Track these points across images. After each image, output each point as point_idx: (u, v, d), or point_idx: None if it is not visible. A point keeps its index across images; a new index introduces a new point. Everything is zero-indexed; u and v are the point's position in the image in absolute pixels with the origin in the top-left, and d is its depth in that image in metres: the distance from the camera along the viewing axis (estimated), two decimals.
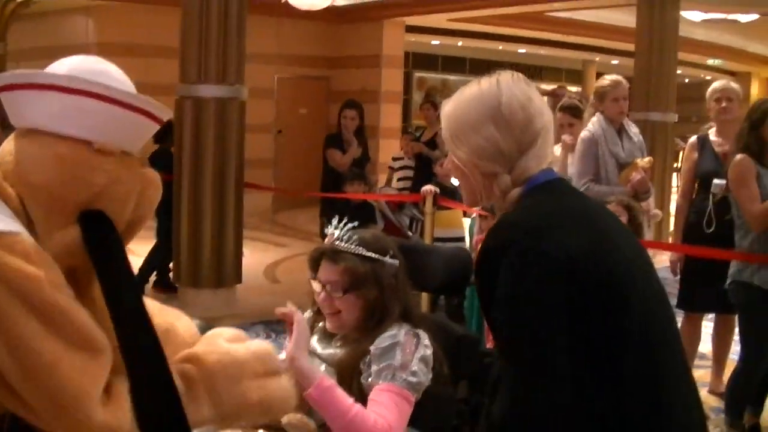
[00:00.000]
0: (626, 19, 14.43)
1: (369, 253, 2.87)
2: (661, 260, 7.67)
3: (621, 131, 6.21)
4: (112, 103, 1.90)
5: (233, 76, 8.35)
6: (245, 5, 8.51)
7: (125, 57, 13.03)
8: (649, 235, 7.31)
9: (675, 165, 14.20)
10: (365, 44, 16.64)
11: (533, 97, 2.26)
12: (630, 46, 12.71)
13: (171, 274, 8.94)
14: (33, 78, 1.90)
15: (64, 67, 1.95)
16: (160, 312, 2.22)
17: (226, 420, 2.06)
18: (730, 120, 5.99)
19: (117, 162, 1.92)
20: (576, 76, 23.80)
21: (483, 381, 2.55)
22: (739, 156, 5.05)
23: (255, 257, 11.04)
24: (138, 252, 10.54)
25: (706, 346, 6.86)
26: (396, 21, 16.71)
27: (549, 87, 13.56)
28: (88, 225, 1.88)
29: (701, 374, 6.35)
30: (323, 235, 2.98)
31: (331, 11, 14.34)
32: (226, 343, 2.12)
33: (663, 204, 10.42)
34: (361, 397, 2.73)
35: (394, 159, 10.64)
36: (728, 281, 5.16)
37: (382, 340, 2.78)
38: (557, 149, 6.63)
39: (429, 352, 2.81)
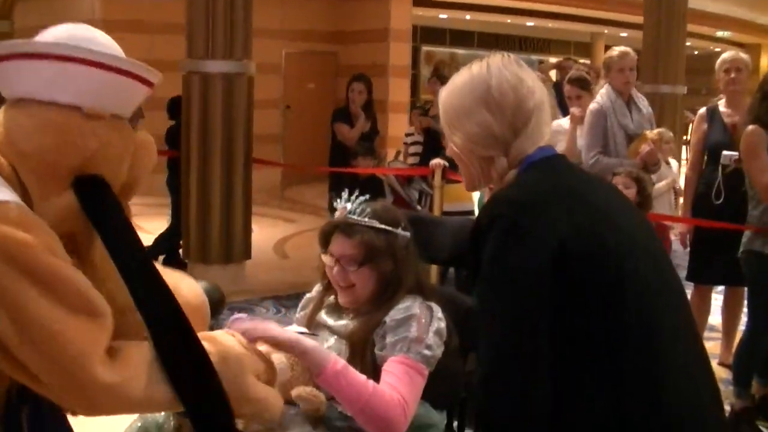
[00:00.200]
0: None
1: (382, 226, 2.86)
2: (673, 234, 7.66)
3: (630, 103, 6.20)
4: (98, 67, 1.90)
5: (240, 51, 8.33)
6: None
7: (131, 33, 13.05)
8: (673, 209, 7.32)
9: (684, 137, 14.17)
10: (373, 18, 16.58)
11: (524, 78, 2.26)
12: (639, 19, 12.63)
13: (181, 251, 8.94)
14: (17, 48, 1.91)
15: (50, 36, 1.95)
16: (162, 271, 2.19)
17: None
18: (740, 91, 5.97)
19: (108, 126, 1.92)
20: (584, 49, 23.73)
21: None
22: (750, 127, 5.03)
23: (264, 233, 11.05)
24: (149, 229, 10.58)
25: (715, 318, 6.86)
26: None
27: (556, 60, 13.51)
28: (82, 189, 1.88)
29: (711, 346, 6.35)
30: (332, 210, 2.97)
31: None
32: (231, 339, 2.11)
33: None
34: (374, 368, 2.73)
35: (407, 135, 10.63)
36: (740, 250, 5.16)
37: (397, 312, 2.78)
38: (565, 122, 6.62)
39: (442, 324, 2.81)
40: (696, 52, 24.13)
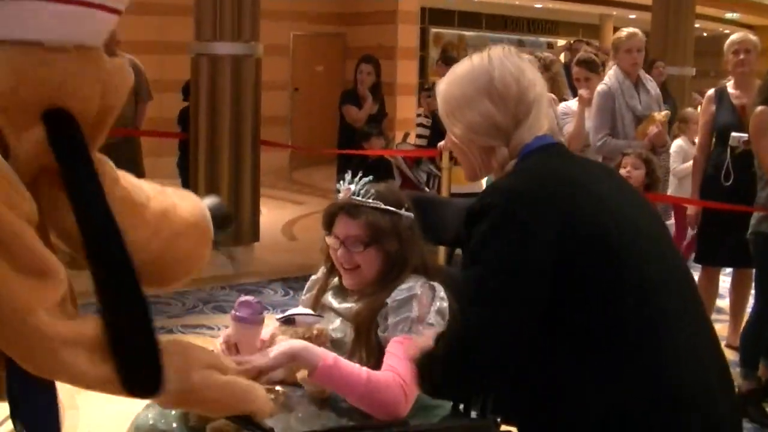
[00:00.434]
0: None
1: (387, 207, 2.86)
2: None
3: (638, 84, 6.20)
4: (55, 1, 1.84)
5: (248, 33, 8.33)
6: None
7: (140, 15, 13.03)
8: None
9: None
10: (381, 0, 16.55)
11: (525, 69, 2.27)
12: (647, 0, 12.61)
13: None
14: None
15: None
16: (160, 194, 2.23)
17: (182, 394, 2.06)
18: (748, 72, 5.95)
19: (73, 58, 1.87)
20: (593, 30, 23.62)
21: None
22: (759, 107, 5.03)
23: (272, 215, 11.06)
24: None
25: (723, 300, 6.87)
26: None
27: (565, 41, 13.49)
28: (51, 123, 1.85)
29: (718, 328, 6.29)
30: (339, 191, 2.97)
31: None
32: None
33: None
34: (379, 349, 2.74)
35: (417, 116, 10.64)
36: (749, 232, 5.16)
37: (399, 293, 2.78)
38: (574, 103, 6.62)
39: (445, 304, 2.81)
40: (705, 34, 24.02)
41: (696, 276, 6.29)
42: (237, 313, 2.85)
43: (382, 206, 2.85)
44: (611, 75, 6.21)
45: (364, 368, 2.64)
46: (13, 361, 1.83)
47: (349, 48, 16.80)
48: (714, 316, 6.47)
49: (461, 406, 2.89)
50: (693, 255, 6.51)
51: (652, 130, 5.92)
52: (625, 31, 6.29)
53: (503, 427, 2.65)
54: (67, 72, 1.86)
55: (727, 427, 2.14)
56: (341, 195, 2.92)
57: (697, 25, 12.35)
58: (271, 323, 2.95)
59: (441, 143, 7.62)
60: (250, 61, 8.37)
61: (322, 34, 16.89)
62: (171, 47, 12.40)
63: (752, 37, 6.13)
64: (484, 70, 2.24)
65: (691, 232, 7.31)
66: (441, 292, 2.84)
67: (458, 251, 5.29)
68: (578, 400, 2.05)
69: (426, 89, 11.38)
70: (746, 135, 5.39)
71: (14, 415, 2.23)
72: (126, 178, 2.16)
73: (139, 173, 8.80)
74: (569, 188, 2.14)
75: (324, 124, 13.85)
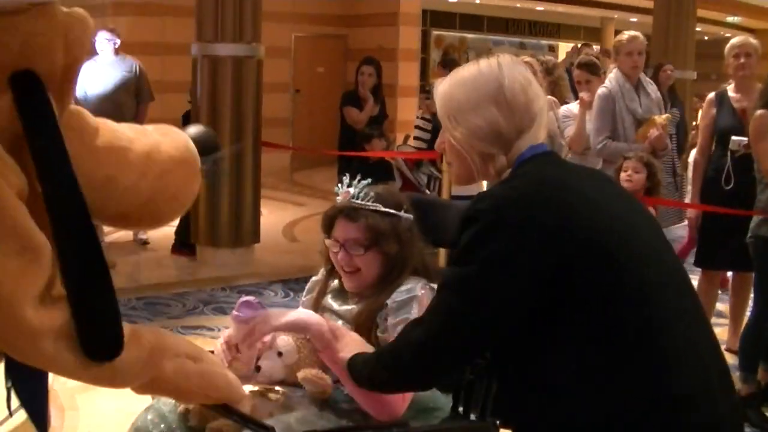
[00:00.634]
0: None
1: (386, 209, 2.86)
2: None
3: (638, 87, 6.20)
4: None
5: (250, 34, 8.33)
6: None
7: (141, 16, 13.06)
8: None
9: (693, 123, 14.13)
10: (382, 2, 16.54)
11: (532, 80, 2.29)
12: (649, 3, 12.64)
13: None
14: None
15: None
16: (142, 135, 2.26)
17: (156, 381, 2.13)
18: (748, 76, 5.96)
19: (30, 16, 1.88)
20: (594, 33, 23.63)
21: None
22: (759, 111, 5.04)
23: (273, 216, 11.07)
24: None
25: (723, 303, 6.87)
26: None
27: (568, 45, 13.50)
28: (18, 88, 1.86)
29: (718, 332, 6.28)
30: (338, 195, 2.97)
31: None
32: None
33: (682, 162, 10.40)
34: None
35: (417, 118, 10.67)
36: (748, 235, 5.17)
37: (399, 294, 2.79)
38: (575, 106, 6.63)
39: None
40: (706, 38, 24.03)
41: (696, 279, 6.31)
42: (238, 314, 2.85)
43: (382, 209, 2.85)
44: (612, 78, 6.22)
45: None
46: None
47: (351, 50, 16.81)
48: (714, 320, 6.47)
49: (461, 408, 2.90)
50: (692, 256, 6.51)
51: (653, 133, 5.92)
52: (626, 34, 6.29)
53: (502, 430, 2.65)
54: (26, 33, 1.87)
55: (727, 428, 2.14)
56: (340, 198, 2.92)
57: (698, 29, 12.36)
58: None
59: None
60: (251, 62, 8.37)
61: (324, 35, 16.89)
62: (172, 48, 12.42)
63: (753, 40, 6.14)
64: (493, 76, 2.24)
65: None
66: None
67: None
68: (578, 401, 2.06)
69: (425, 91, 11.41)
70: (746, 138, 5.40)
71: (7, 369, 2.23)
72: (106, 125, 2.20)
73: None
74: (565, 193, 2.15)
75: (325, 125, 13.86)
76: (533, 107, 2.25)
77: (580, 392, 2.06)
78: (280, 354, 2.79)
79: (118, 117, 2.14)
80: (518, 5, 21.08)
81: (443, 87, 2.33)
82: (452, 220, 3.14)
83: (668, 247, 2.30)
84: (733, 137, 5.68)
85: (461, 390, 2.89)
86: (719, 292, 6.68)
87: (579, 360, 2.05)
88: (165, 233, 9.46)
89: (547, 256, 2.04)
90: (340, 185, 2.94)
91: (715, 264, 6.24)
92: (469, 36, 21.85)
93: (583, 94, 6.50)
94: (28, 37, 1.87)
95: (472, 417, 2.83)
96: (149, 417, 2.81)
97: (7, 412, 2.23)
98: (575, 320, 2.06)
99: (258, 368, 2.80)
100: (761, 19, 23.88)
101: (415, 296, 2.77)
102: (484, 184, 2.29)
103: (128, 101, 8.53)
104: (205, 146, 2.40)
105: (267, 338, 2.88)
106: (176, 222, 9.14)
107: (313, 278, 3.15)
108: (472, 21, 22.03)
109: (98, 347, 1.92)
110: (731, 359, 5.48)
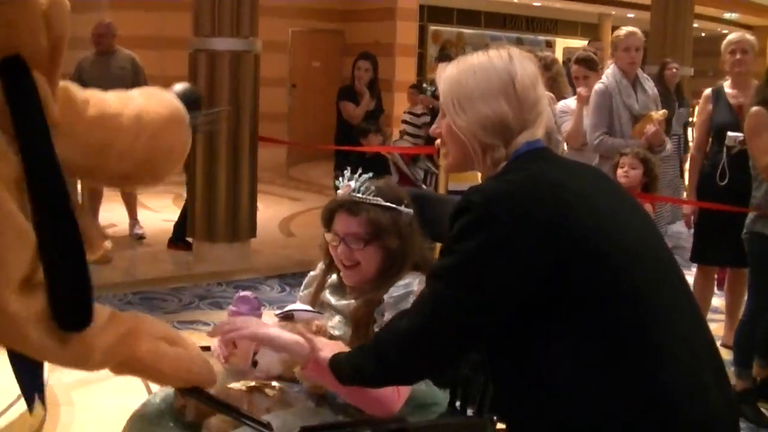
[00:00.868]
0: None
1: (387, 203, 2.86)
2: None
3: (635, 83, 6.21)
4: None
5: (247, 29, 8.32)
6: None
7: (138, 11, 13.05)
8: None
9: (690, 119, 14.14)
10: None
11: (539, 78, 2.28)
12: (646, 0, 12.62)
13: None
14: None
15: None
16: (129, 100, 2.37)
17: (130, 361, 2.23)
18: (744, 72, 5.96)
19: (11, 5, 1.99)
20: (592, 29, 23.62)
21: None
22: (755, 108, 5.05)
23: (269, 211, 11.07)
24: (155, 207, 10.60)
25: (718, 299, 6.88)
26: None
27: (564, 40, 13.50)
28: (6, 72, 2.00)
29: (714, 328, 6.36)
30: (337, 188, 2.96)
31: None
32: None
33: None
34: None
35: (405, 113, 10.69)
36: (744, 231, 5.18)
37: (396, 289, 2.78)
38: (572, 102, 6.63)
39: None
40: (703, 34, 24.04)
41: (692, 274, 6.32)
42: (235, 309, 2.86)
43: (383, 203, 2.85)
44: (609, 74, 6.22)
45: None
46: None
47: (348, 45, 16.80)
48: (710, 316, 6.49)
49: (458, 404, 2.90)
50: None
51: (650, 129, 5.93)
52: (624, 30, 6.29)
53: (499, 426, 2.66)
54: (9, 21, 1.99)
55: (723, 425, 2.14)
56: (341, 192, 2.91)
57: (695, 25, 12.37)
58: (268, 319, 2.96)
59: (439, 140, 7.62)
60: (248, 57, 8.36)
61: (321, 30, 16.88)
62: (169, 43, 12.41)
63: (749, 37, 6.14)
64: (505, 68, 2.22)
65: None
66: None
67: None
68: (575, 400, 2.05)
69: (415, 86, 11.41)
70: (742, 135, 5.41)
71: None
72: (95, 96, 2.32)
73: None
74: (560, 190, 2.14)
75: (322, 120, 13.86)
76: (539, 104, 2.24)
77: (577, 391, 2.05)
78: None
79: None
80: (516, 1, 21.07)
81: (450, 71, 2.29)
82: (449, 214, 3.16)
83: (663, 244, 2.29)
84: (729, 133, 5.69)
85: (458, 385, 2.89)
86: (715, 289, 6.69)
87: (576, 358, 2.05)
88: (161, 228, 9.48)
89: (543, 252, 2.04)
90: (341, 179, 2.94)
91: (711, 260, 6.25)
92: (467, 31, 21.81)
93: (580, 90, 6.51)
94: (11, 24, 1.99)
95: (470, 412, 2.84)
96: (146, 412, 2.81)
97: (9, 401, 2.35)
98: (571, 317, 2.06)
99: (255, 363, 2.80)
100: (758, 16, 23.90)
101: (412, 291, 2.76)
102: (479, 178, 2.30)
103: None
104: (189, 101, 2.50)
105: None
106: (174, 217, 9.17)
107: (311, 273, 3.14)
108: (470, 16, 22.01)
109: (70, 317, 2.05)
110: (727, 355, 5.49)
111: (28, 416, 4.00)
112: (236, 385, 2.78)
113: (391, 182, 3.20)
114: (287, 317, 2.84)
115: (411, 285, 2.79)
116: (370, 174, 2.92)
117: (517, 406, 2.20)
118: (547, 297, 2.06)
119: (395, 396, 2.59)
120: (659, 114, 6.07)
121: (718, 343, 6.05)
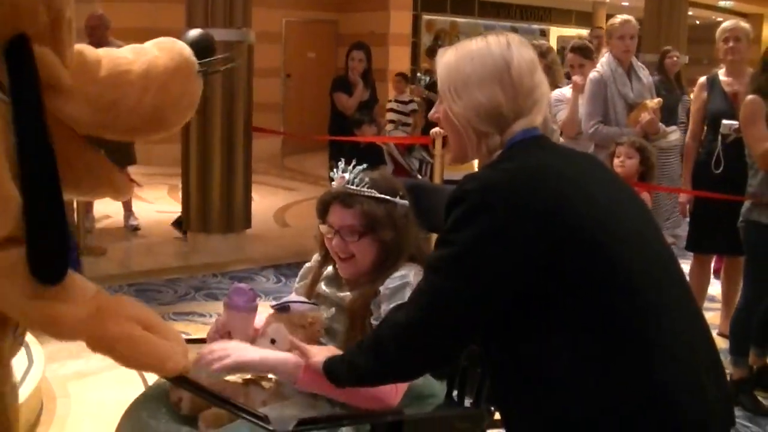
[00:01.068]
0: None
1: (381, 195, 2.84)
2: None
3: (630, 72, 6.20)
4: None
5: (240, 19, 8.30)
6: None
7: (131, 2, 13.00)
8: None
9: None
10: None
11: (538, 65, 2.27)
12: None
13: None
14: None
15: None
16: (141, 54, 2.51)
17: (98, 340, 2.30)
18: (738, 60, 5.95)
19: None
20: (586, 18, 23.60)
21: None
22: (750, 96, 5.04)
23: (264, 202, 11.06)
24: (150, 198, 10.59)
25: (715, 288, 6.88)
26: None
27: (558, 29, 13.48)
28: (10, 50, 2.17)
29: (710, 317, 6.37)
30: (332, 179, 2.95)
31: None
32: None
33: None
34: None
35: (390, 101, 10.69)
36: (740, 219, 5.18)
37: (392, 281, 2.77)
38: (568, 90, 6.62)
39: None
40: (698, 22, 24.03)
41: (688, 263, 6.32)
42: (231, 301, 2.85)
43: (377, 195, 2.83)
44: (604, 62, 6.21)
45: None
46: None
47: (341, 35, 16.78)
48: (706, 305, 6.49)
49: (455, 395, 2.90)
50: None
51: (644, 117, 5.92)
52: (618, 18, 6.28)
53: (496, 417, 2.65)
54: (10, 2, 2.15)
55: (718, 420, 2.13)
56: (335, 183, 2.89)
57: (690, 13, 12.35)
58: (264, 311, 2.95)
59: (434, 130, 7.61)
60: (242, 47, 8.34)
61: (315, 20, 16.86)
62: (163, 34, 12.27)
63: (744, 24, 6.12)
64: (501, 55, 2.21)
65: None
66: None
67: None
68: (572, 395, 2.04)
69: (400, 74, 11.40)
70: (737, 123, 5.40)
71: None
72: (108, 55, 2.47)
73: (130, 161, 8.70)
74: (555, 179, 2.13)
75: (316, 110, 13.82)
76: (536, 92, 2.23)
77: (574, 385, 2.04)
78: (273, 341, 2.78)
79: None
80: None
81: (448, 57, 2.28)
82: (443, 204, 3.15)
83: (659, 234, 2.28)
84: (724, 121, 5.68)
85: (456, 377, 2.89)
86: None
87: (573, 350, 2.04)
88: (156, 220, 9.48)
89: (538, 241, 2.03)
90: (335, 170, 2.92)
91: (706, 248, 6.25)
92: (461, 20, 21.77)
93: (575, 78, 6.49)
94: (13, 5, 2.14)
95: (467, 404, 2.84)
96: (141, 404, 2.80)
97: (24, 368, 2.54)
98: (568, 307, 2.04)
99: None
100: (753, 4, 23.87)
101: (408, 282, 2.75)
102: (475, 169, 2.29)
103: None
104: (202, 48, 2.61)
105: (259, 325, 2.88)
106: (169, 208, 9.15)
107: (307, 265, 3.13)
108: (464, 5, 21.96)
109: (46, 269, 2.18)
110: (723, 343, 5.49)
111: (24, 409, 3.99)
112: (232, 378, 2.77)
113: (387, 173, 3.18)
114: (283, 309, 2.84)
115: (407, 276, 2.77)
116: (365, 165, 2.90)
117: (513, 400, 2.19)
118: (545, 287, 2.05)
119: (393, 392, 2.59)
120: (654, 102, 6.07)
121: (715, 333, 6.09)
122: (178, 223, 8.91)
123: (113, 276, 7.45)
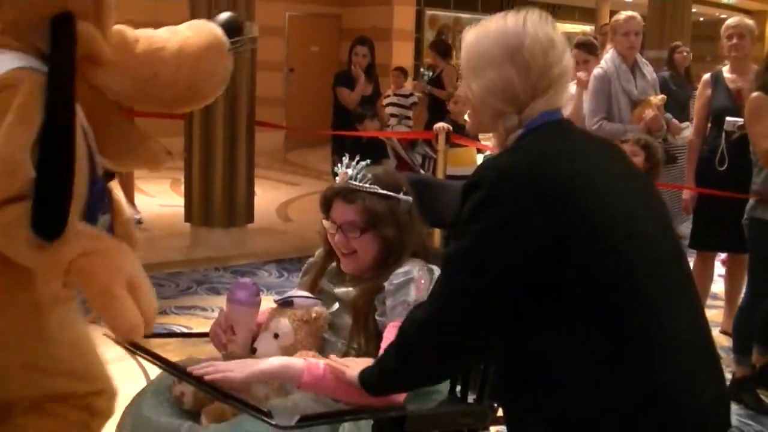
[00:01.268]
0: None
1: (384, 191, 2.83)
2: None
3: (634, 68, 6.18)
4: None
5: (243, 13, 8.27)
6: None
7: None
8: None
9: None
10: None
11: (556, 42, 2.23)
12: None
13: None
14: None
15: None
16: (174, 34, 2.79)
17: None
18: (742, 57, 5.94)
19: None
20: (589, 14, 23.54)
21: None
22: (755, 93, 5.03)
23: (267, 196, 11.05)
24: (152, 192, 10.58)
25: (718, 286, 6.87)
26: None
27: (562, 25, 13.46)
28: (55, 24, 2.45)
29: (713, 314, 6.36)
30: (335, 175, 2.94)
31: None
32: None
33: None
34: (377, 334, 2.73)
35: (388, 96, 10.66)
36: (744, 217, 5.17)
37: (396, 277, 2.75)
38: (571, 86, 6.60)
39: None
40: (701, 19, 23.99)
41: (691, 260, 6.30)
42: (233, 295, 2.84)
43: (379, 191, 2.82)
44: (608, 59, 6.19)
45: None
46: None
47: (345, 29, 16.76)
48: (709, 302, 6.49)
49: (458, 389, 2.89)
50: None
51: (648, 113, 5.91)
52: (623, 14, 6.26)
53: (499, 413, 2.64)
54: None
55: (714, 420, 2.13)
56: (338, 179, 2.89)
57: (694, 10, 12.32)
58: (267, 305, 2.94)
59: (437, 125, 7.61)
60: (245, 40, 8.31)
61: (318, 14, 16.85)
62: None
63: (748, 21, 6.11)
64: (515, 34, 2.19)
65: None
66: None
67: None
68: (572, 395, 2.04)
69: (398, 69, 11.40)
70: (741, 120, 5.39)
71: None
72: (145, 34, 2.74)
73: None
74: (567, 171, 2.11)
75: (319, 105, 13.82)
76: (552, 71, 2.20)
77: (575, 385, 2.04)
78: (276, 336, 2.78)
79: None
80: None
81: (470, 37, 2.28)
82: (447, 200, 3.14)
83: (669, 230, 2.27)
84: (728, 118, 5.67)
85: (459, 373, 2.88)
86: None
87: (581, 345, 2.04)
88: (158, 213, 9.48)
89: (546, 234, 2.03)
90: (339, 165, 2.91)
91: (710, 246, 6.24)
92: (464, 16, 21.73)
93: (580, 74, 6.47)
94: None
95: (470, 400, 2.83)
96: (144, 399, 2.80)
97: None
98: (578, 301, 2.04)
99: (254, 350, 2.79)
100: (757, 1, 23.83)
101: (412, 278, 2.74)
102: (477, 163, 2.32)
103: None
104: (231, 29, 2.95)
105: (263, 320, 2.87)
106: (171, 202, 9.14)
107: (310, 260, 3.12)
108: (467, 1, 21.92)
109: (46, 226, 2.32)
110: (726, 341, 5.49)
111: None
112: None
113: (390, 169, 3.17)
114: (287, 303, 2.83)
115: (411, 272, 2.76)
116: (368, 161, 2.90)
117: (515, 399, 2.19)
118: (556, 276, 2.04)
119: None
120: (658, 99, 6.05)
121: (718, 330, 6.08)
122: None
123: None
